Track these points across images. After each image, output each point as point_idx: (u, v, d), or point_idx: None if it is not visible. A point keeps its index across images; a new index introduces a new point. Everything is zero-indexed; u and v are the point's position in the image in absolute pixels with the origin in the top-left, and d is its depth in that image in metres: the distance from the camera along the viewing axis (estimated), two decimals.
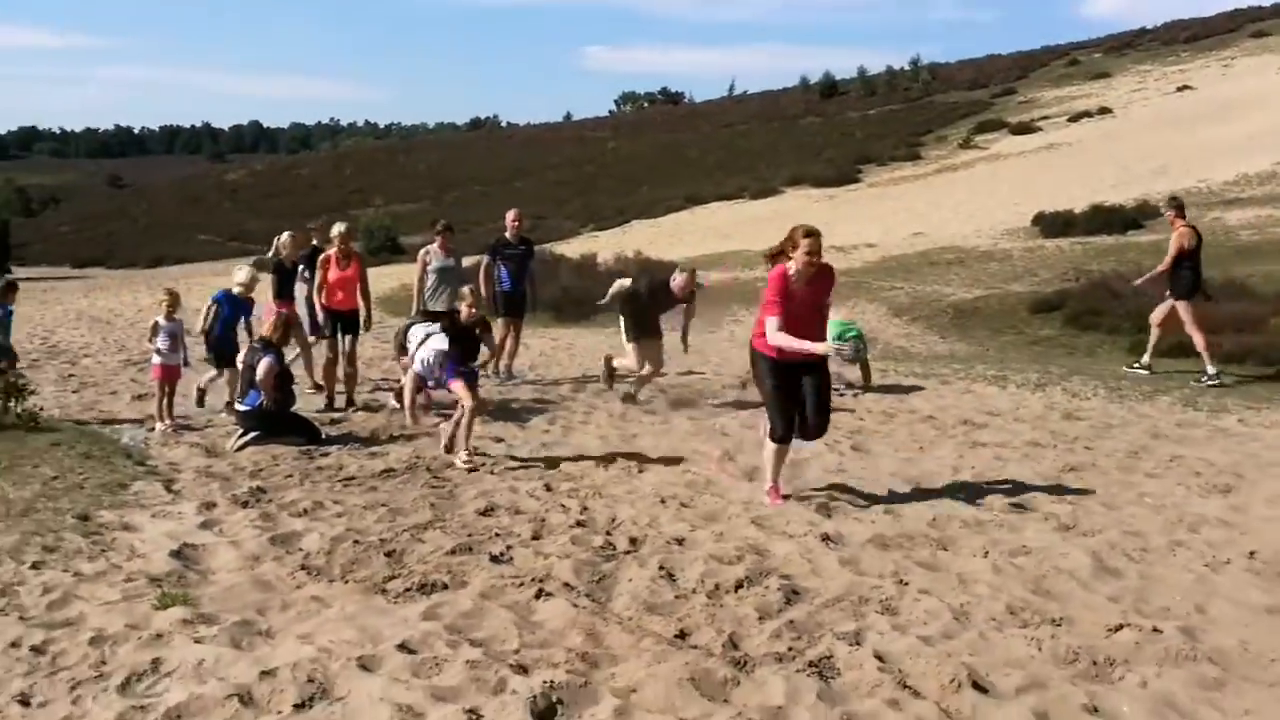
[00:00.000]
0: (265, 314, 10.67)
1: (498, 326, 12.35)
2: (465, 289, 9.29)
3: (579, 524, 6.57)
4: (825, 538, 6.19)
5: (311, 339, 11.36)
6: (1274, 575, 5.50)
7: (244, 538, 6.35)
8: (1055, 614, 4.94)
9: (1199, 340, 12.15)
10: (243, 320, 10.59)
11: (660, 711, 3.98)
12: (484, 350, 9.37)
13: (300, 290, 11.45)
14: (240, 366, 9.39)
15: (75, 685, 4.30)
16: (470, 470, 7.97)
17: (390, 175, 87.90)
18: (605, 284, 22.18)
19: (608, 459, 8.33)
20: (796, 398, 6.95)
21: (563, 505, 7.02)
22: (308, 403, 10.36)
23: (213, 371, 10.53)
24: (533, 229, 36.96)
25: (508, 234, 12.44)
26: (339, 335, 10.68)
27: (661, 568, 5.65)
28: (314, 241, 11.85)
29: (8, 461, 8.03)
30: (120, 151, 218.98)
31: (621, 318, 10.80)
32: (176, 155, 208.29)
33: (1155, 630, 4.66)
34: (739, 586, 5.35)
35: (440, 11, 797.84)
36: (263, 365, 8.98)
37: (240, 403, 9.16)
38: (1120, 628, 4.71)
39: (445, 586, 5.46)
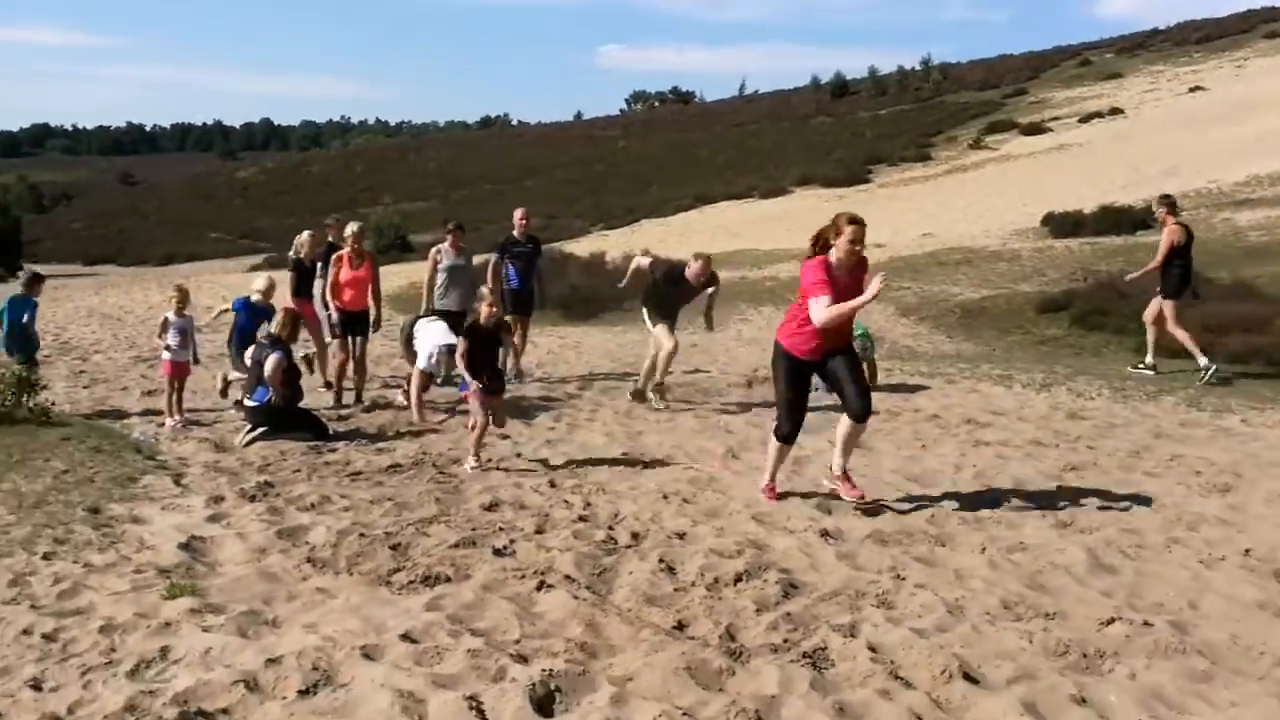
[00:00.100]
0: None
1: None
2: (484, 289, 9.07)
3: (582, 519, 6.66)
4: (824, 533, 6.27)
5: (329, 340, 11.44)
6: (1268, 572, 5.55)
7: (251, 531, 6.45)
8: (1049, 608, 5.00)
9: (1182, 336, 12.27)
10: (264, 326, 10.67)
11: (656, 699, 4.06)
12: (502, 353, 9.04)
13: (319, 288, 11.55)
14: (249, 363, 9.49)
15: (86, 671, 4.41)
16: (475, 468, 8.02)
17: (400, 173, 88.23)
18: (614, 282, 22.34)
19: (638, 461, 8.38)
20: (806, 400, 6.94)
21: (566, 501, 7.11)
22: (317, 399, 10.46)
23: (236, 373, 10.62)
24: (543, 228, 37.13)
25: (515, 232, 12.50)
26: (349, 334, 10.78)
27: (662, 561, 5.74)
28: (330, 239, 11.94)
29: (20, 455, 8.15)
30: (132, 149, 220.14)
31: (644, 308, 10.74)
32: (188, 153, 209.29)
33: (1146, 624, 4.73)
34: (738, 580, 5.43)
35: (452, 10, 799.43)
36: (270, 361, 9.07)
37: (249, 399, 9.26)
38: (1112, 621, 4.77)
39: (448, 579, 5.55)
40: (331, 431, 9.28)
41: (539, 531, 6.41)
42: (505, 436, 9.17)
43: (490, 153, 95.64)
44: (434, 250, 11.95)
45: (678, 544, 6.12)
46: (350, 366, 10.88)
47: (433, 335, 10.26)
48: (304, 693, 4.20)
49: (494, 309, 8.54)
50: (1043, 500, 7.07)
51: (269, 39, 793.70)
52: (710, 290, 10.65)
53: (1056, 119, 57.17)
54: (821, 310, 6.54)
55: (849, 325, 6.94)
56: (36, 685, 4.28)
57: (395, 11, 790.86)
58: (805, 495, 7.17)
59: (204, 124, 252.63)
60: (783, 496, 7.09)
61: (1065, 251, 23.11)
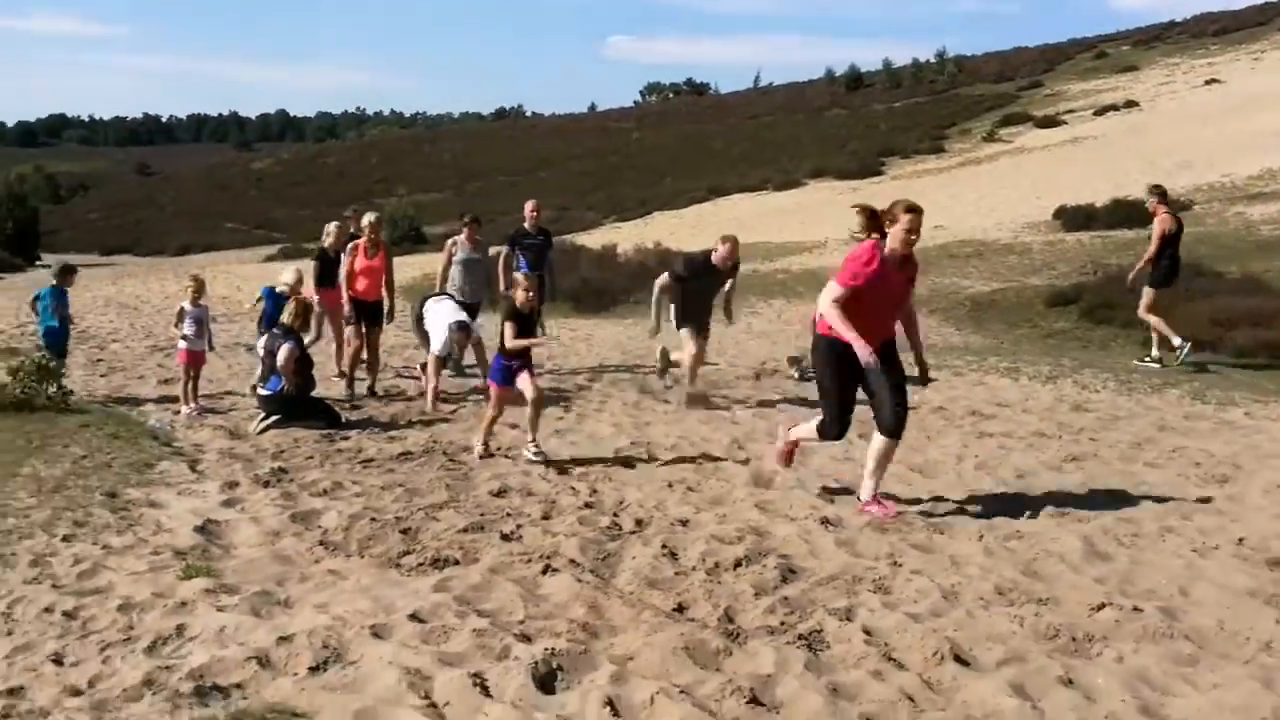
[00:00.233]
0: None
1: (505, 317, 12.57)
2: (519, 275, 8.56)
3: (587, 505, 6.80)
4: (825, 521, 6.39)
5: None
6: (1260, 561, 5.65)
7: (265, 515, 6.61)
8: (1042, 594, 5.12)
9: (1154, 321, 12.64)
10: None
11: (654, 678, 4.19)
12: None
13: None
14: (262, 352, 9.65)
15: (105, 647, 4.56)
16: (539, 460, 7.91)
17: (415, 164, 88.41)
18: (625, 275, 22.45)
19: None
20: (854, 396, 6.56)
21: (573, 488, 7.24)
22: (330, 389, 10.62)
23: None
24: (556, 219, 37.26)
25: (526, 224, 12.63)
26: (362, 323, 10.90)
27: (664, 546, 5.87)
28: (351, 229, 12.04)
29: (39, 441, 8.33)
30: (148, 139, 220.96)
31: (671, 306, 10.43)
32: (204, 143, 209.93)
33: (1136, 610, 4.83)
34: (738, 565, 5.56)
35: (468, 1, 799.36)
36: (283, 351, 9.22)
37: (262, 388, 9.41)
38: (1102, 607, 4.88)
39: (457, 562, 5.70)
40: (344, 420, 9.43)
41: (545, 517, 6.55)
42: (514, 425, 9.30)
43: (504, 144, 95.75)
44: (449, 242, 12.09)
45: (680, 530, 6.25)
46: (363, 356, 11.00)
47: (443, 314, 10.42)
48: (314, 669, 4.34)
49: (530, 293, 8.30)
50: (1042, 490, 7.18)
51: (285, 29, 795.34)
52: (729, 282, 10.57)
53: (1071, 112, 56.95)
54: (829, 299, 6.28)
55: (893, 321, 6.52)
56: (58, 660, 4.44)
57: (411, 3, 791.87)
58: (807, 483, 7.29)
59: (220, 115, 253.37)
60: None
61: (1076, 245, 23.13)
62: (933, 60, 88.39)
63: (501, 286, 12.09)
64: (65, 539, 6.01)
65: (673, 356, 10.76)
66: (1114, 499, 6.95)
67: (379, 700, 4.04)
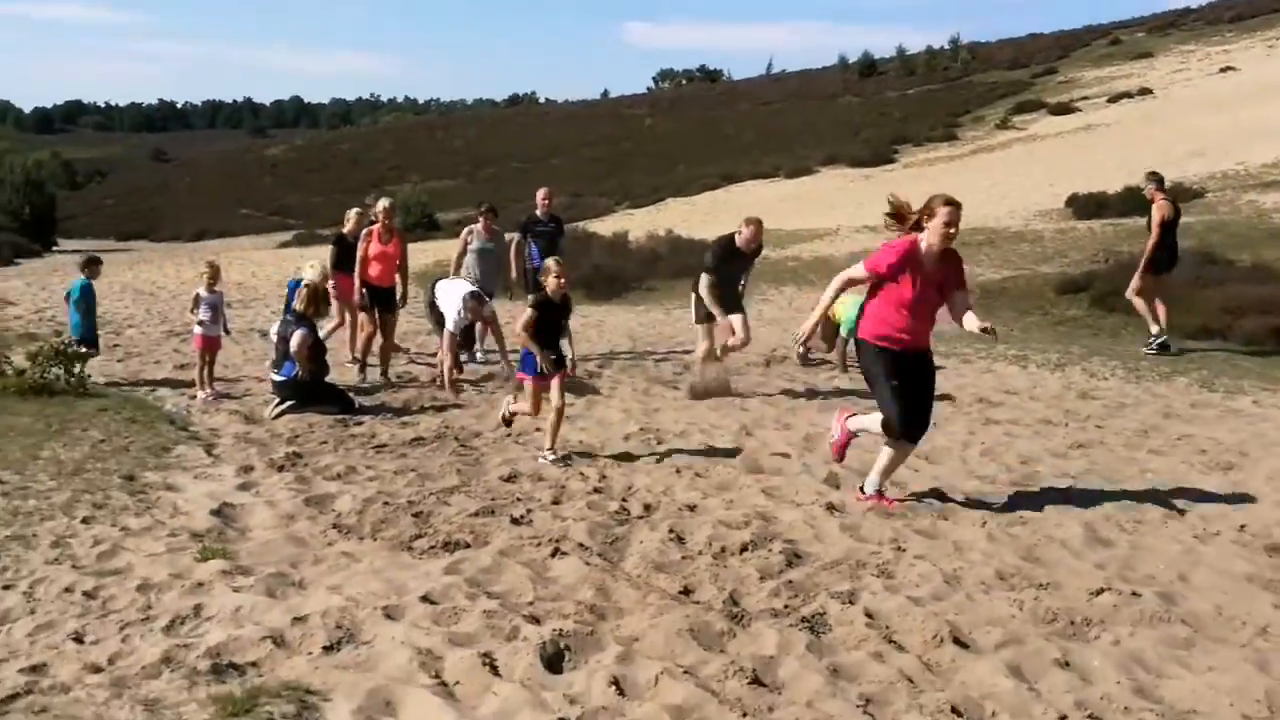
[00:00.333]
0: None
1: (528, 304, 12.67)
2: (551, 261, 8.33)
3: (596, 491, 6.90)
4: (831, 507, 6.47)
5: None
6: (1260, 547, 5.72)
7: (280, 498, 6.73)
8: (1042, 579, 5.20)
9: (1139, 305, 12.81)
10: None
11: (659, 658, 4.29)
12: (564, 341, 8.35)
13: None
14: (275, 339, 9.75)
15: (124, 626, 4.69)
16: (555, 461, 7.65)
17: (427, 151, 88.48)
18: (637, 262, 22.50)
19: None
20: (915, 389, 6.29)
21: (582, 474, 7.34)
22: (345, 374, 10.73)
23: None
24: (569, 206, 37.36)
25: (538, 212, 12.70)
26: (375, 309, 10.99)
27: (671, 531, 5.97)
28: (371, 216, 12.13)
29: (59, 425, 8.47)
30: (163, 126, 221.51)
31: (694, 295, 10.42)
32: (219, 130, 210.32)
33: (1134, 594, 4.92)
34: (744, 549, 5.65)
35: None
36: (296, 337, 9.32)
37: (276, 374, 9.52)
38: (1101, 591, 4.96)
39: (467, 545, 5.81)
40: (357, 405, 9.53)
41: (555, 502, 6.66)
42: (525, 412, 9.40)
43: (517, 131, 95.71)
44: (465, 231, 12.20)
45: (688, 515, 6.35)
46: (376, 341, 11.11)
47: (456, 289, 10.53)
48: (328, 649, 4.45)
49: (563, 280, 7.97)
50: (1046, 477, 7.25)
51: (300, 16, 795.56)
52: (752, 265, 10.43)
53: (1085, 99, 56.65)
54: (844, 277, 6.38)
55: (930, 323, 6.34)
56: (78, 638, 4.56)
57: None
58: (814, 470, 7.37)
59: (234, 101, 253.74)
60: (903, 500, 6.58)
61: (1088, 233, 23.09)
62: (947, 47, 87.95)
63: (513, 274, 12.21)
64: (85, 521, 6.15)
65: (701, 348, 10.59)
66: (1117, 486, 7.01)
67: (391, 679, 4.15)
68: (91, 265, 11.19)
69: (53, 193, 61.86)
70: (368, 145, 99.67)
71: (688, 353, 12.63)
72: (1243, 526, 6.06)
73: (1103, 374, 11.44)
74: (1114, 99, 53.94)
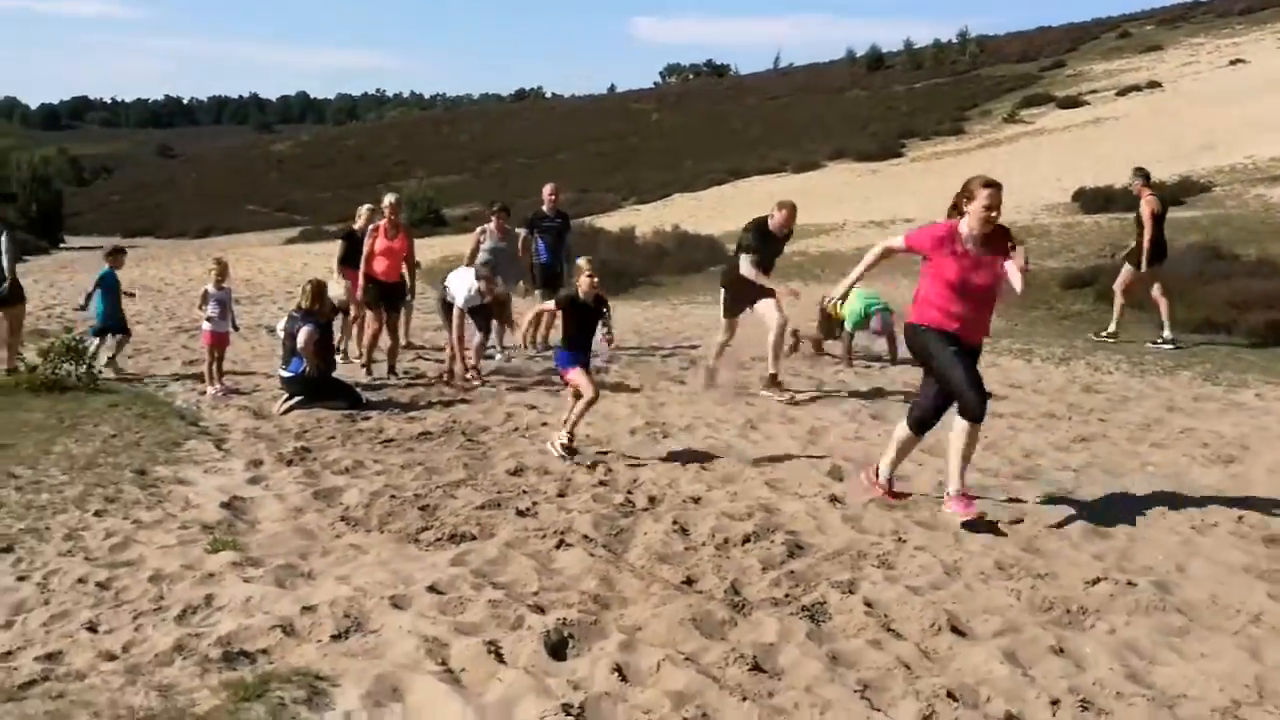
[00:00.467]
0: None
1: (534, 299, 12.78)
2: (582, 260, 8.12)
3: (602, 483, 6.97)
4: (833, 498, 6.55)
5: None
6: (1257, 538, 5.78)
7: (289, 492, 6.82)
8: (1041, 569, 5.27)
9: (1119, 302, 13.10)
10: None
11: (661, 646, 4.38)
12: (601, 330, 8.04)
13: None
14: (282, 335, 9.83)
15: (137, 615, 4.79)
16: (567, 454, 7.55)
17: (433, 146, 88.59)
18: (643, 257, 22.56)
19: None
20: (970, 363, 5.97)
21: (588, 466, 7.41)
22: (354, 371, 10.82)
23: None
24: (575, 202, 37.38)
25: (545, 207, 12.79)
26: (382, 305, 11.06)
27: (675, 523, 6.05)
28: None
29: (70, 420, 8.58)
30: (169, 122, 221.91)
31: (724, 291, 10.13)
32: (225, 125, 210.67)
33: (1130, 584, 4.99)
34: (746, 540, 5.73)
35: None
36: (303, 334, 9.40)
37: (284, 370, 9.61)
38: (1098, 581, 5.04)
39: (474, 537, 5.89)
40: (365, 400, 9.62)
41: (560, 495, 6.74)
42: (532, 406, 9.50)
43: (523, 126, 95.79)
44: (479, 230, 12.31)
45: (692, 507, 6.43)
46: (383, 337, 11.18)
47: (467, 274, 10.66)
48: (337, 636, 4.55)
49: (595, 279, 7.76)
50: (1048, 469, 7.31)
51: (306, 11, 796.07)
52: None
53: (1094, 92, 56.57)
54: (884, 244, 6.24)
55: (987, 315, 6.08)
56: (92, 628, 4.66)
57: None
58: (817, 462, 7.44)
59: (240, 97, 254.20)
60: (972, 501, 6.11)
61: (1094, 227, 23.10)
62: (955, 40, 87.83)
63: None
64: (97, 514, 6.25)
65: (719, 339, 10.36)
66: (1118, 478, 7.08)
67: (398, 665, 4.24)
68: (116, 255, 11.51)
69: (59, 189, 62.18)
70: (373, 141, 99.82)
71: (694, 348, 12.71)
72: (1241, 518, 6.12)
73: (1107, 368, 11.49)
74: (1123, 92, 53.84)
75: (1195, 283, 15.17)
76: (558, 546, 5.70)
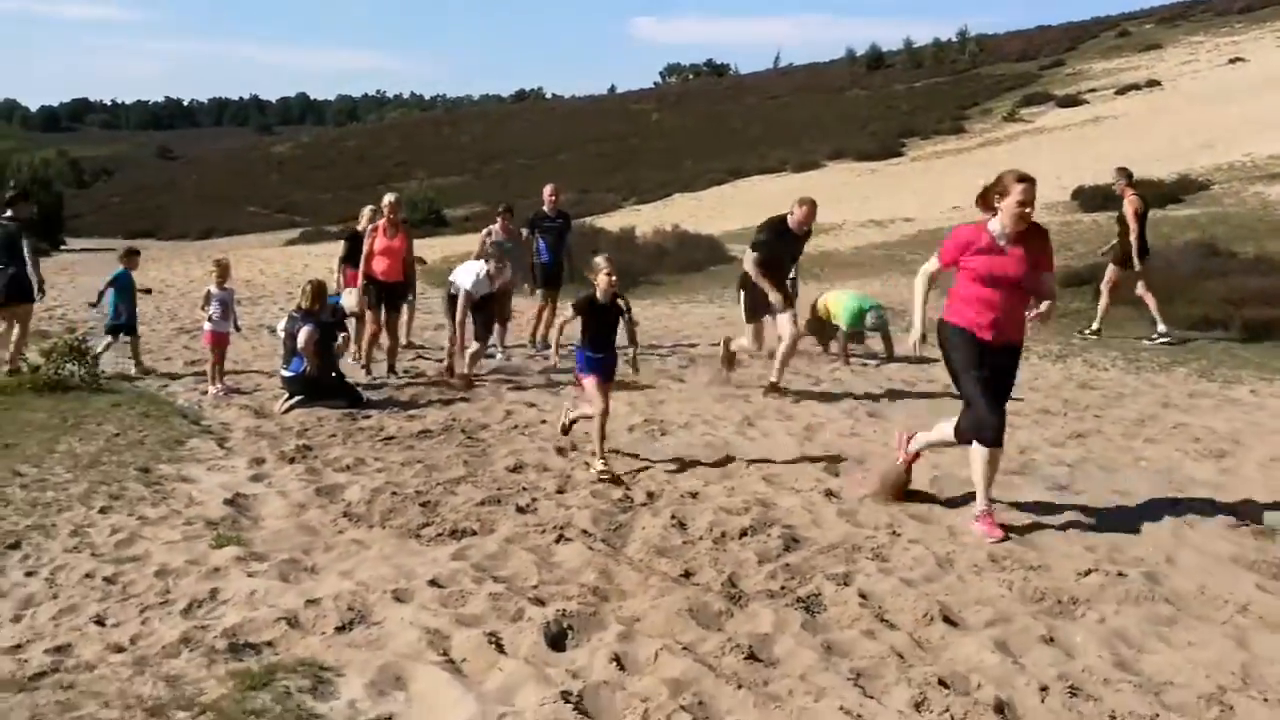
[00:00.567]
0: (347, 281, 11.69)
1: (536, 298, 12.88)
2: (600, 259, 7.73)
3: (600, 480, 7.04)
4: (829, 493, 6.63)
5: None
6: (1246, 531, 5.86)
7: (291, 489, 6.91)
8: (1033, 561, 5.35)
9: (1105, 300, 13.23)
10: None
11: (659, 636, 4.46)
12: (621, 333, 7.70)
13: None
14: (283, 335, 9.90)
15: (144, 609, 4.88)
16: (605, 481, 7.04)
17: (434, 147, 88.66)
18: (644, 257, 22.63)
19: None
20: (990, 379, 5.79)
21: (587, 463, 7.48)
22: (355, 372, 10.90)
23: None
24: (576, 202, 37.44)
25: (545, 208, 12.88)
26: (381, 305, 11.12)
27: (673, 518, 6.13)
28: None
29: (74, 419, 8.67)
30: (169, 123, 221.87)
31: (740, 292, 9.91)
32: (225, 127, 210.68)
33: (1120, 574, 5.07)
34: (743, 534, 5.82)
35: None
36: (303, 334, 9.47)
37: (285, 370, 9.68)
38: (1089, 572, 5.12)
39: (474, 532, 5.98)
40: (365, 399, 9.69)
41: (560, 491, 6.82)
42: (532, 404, 9.57)
43: (524, 126, 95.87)
44: (485, 231, 12.40)
45: (690, 502, 6.51)
46: (383, 337, 11.24)
47: (474, 265, 10.75)
48: (340, 629, 4.64)
49: (613, 278, 7.47)
50: (1043, 465, 7.38)
51: (306, 12, 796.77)
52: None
53: (1093, 91, 56.66)
54: (925, 274, 5.99)
55: (1021, 311, 5.82)
56: (100, 621, 4.75)
57: None
58: (814, 458, 7.52)
59: (240, 98, 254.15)
60: (1004, 530, 5.82)
61: (1093, 225, 23.18)
62: (954, 39, 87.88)
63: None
64: (102, 511, 6.34)
65: (733, 346, 10.28)
66: (1112, 473, 7.16)
67: (401, 656, 4.32)
68: (130, 256, 11.78)
69: (60, 191, 62.20)
70: (374, 142, 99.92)
71: (693, 346, 12.80)
72: (1231, 511, 6.20)
73: (1103, 365, 11.57)
74: (1122, 91, 53.94)
75: (1192, 280, 15.24)
76: (557, 541, 5.78)
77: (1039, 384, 10.47)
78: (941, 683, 4.02)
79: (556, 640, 4.49)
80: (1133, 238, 13.10)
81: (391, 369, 11.14)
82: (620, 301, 7.58)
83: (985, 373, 5.76)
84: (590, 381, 7.45)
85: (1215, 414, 9.08)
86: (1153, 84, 53.81)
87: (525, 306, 13.64)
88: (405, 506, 6.46)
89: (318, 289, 9.94)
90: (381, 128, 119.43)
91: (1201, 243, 18.09)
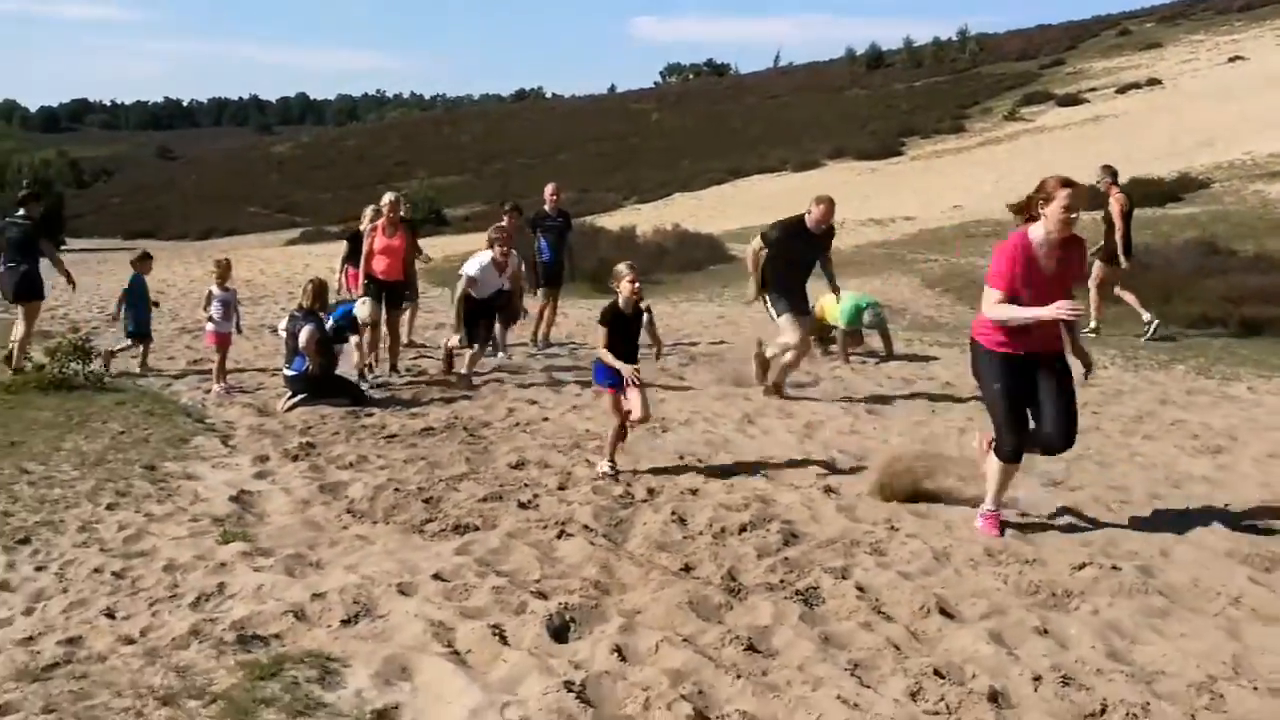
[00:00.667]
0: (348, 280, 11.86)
1: (538, 297, 12.94)
2: (623, 266, 7.46)
3: (602, 476, 7.11)
4: (828, 489, 6.70)
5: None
6: (1241, 525, 5.93)
7: (295, 486, 6.98)
8: (1029, 556, 5.42)
9: (1094, 297, 13.30)
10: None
11: (660, 629, 4.54)
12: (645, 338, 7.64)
13: None
14: (285, 335, 9.96)
15: (153, 603, 4.97)
16: (607, 476, 7.08)
17: (434, 147, 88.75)
18: (644, 256, 22.70)
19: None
20: (1029, 403, 5.73)
21: (588, 460, 7.56)
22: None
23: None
24: (576, 201, 37.52)
25: (546, 207, 12.96)
26: (382, 303, 11.14)
27: (674, 514, 6.20)
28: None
29: (80, 418, 8.75)
30: (169, 124, 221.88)
31: (766, 293, 9.54)
32: (225, 127, 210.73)
33: (1114, 568, 5.14)
34: (743, 530, 5.89)
35: None
36: (304, 333, 9.52)
37: (287, 368, 9.74)
38: (1084, 566, 5.19)
39: (477, 528, 6.05)
40: (368, 398, 9.76)
41: (561, 488, 6.89)
42: (533, 402, 9.64)
43: (524, 126, 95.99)
44: (491, 229, 12.43)
45: (690, 499, 6.58)
46: (384, 338, 11.29)
47: (480, 260, 10.80)
48: (346, 622, 4.71)
49: (636, 285, 7.23)
50: (1040, 461, 7.42)
51: (305, 11, 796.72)
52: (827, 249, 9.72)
53: (1093, 90, 56.77)
54: (991, 307, 5.57)
55: (1057, 326, 5.67)
56: (110, 614, 4.84)
57: None
58: (813, 455, 7.59)
59: (240, 98, 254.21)
60: (1004, 527, 5.87)
61: (1092, 223, 23.16)
62: (954, 39, 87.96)
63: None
64: (109, 507, 6.42)
65: (769, 352, 9.86)
66: (1108, 469, 7.23)
67: (406, 648, 4.40)
68: (143, 261, 11.84)
69: (60, 192, 62.22)
70: (374, 141, 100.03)
71: (693, 345, 12.85)
72: (1226, 506, 6.28)
73: (1102, 362, 11.59)
74: (1122, 90, 54.06)
75: (1192, 278, 15.32)
76: (559, 536, 5.85)
77: None
78: (937, 673, 4.10)
79: (559, 632, 4.57)
80: (1118, 236, 13.20)
81: (394, 367, 11.20)
82: (647, 312, 7.42)
83: (1013, 391, 5.65)
84: (608, 394, 7.23)
85: (1213, 411, 9.15)
86: (1153, 83, 53.92)
87: (526, 306, 13.70)
88: (408, 502, 6.54)
89: (318, 288, 10.00)
90: (381, 127, 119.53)
91: (1201, 241, 18.19)
